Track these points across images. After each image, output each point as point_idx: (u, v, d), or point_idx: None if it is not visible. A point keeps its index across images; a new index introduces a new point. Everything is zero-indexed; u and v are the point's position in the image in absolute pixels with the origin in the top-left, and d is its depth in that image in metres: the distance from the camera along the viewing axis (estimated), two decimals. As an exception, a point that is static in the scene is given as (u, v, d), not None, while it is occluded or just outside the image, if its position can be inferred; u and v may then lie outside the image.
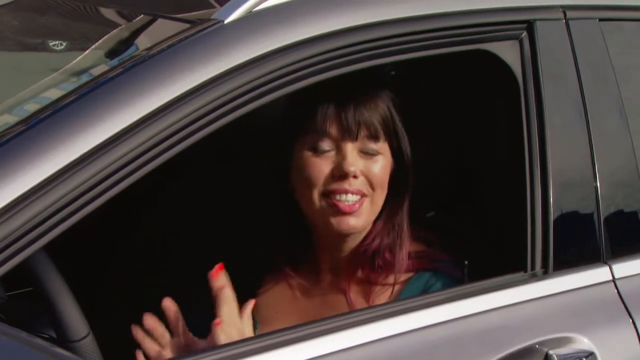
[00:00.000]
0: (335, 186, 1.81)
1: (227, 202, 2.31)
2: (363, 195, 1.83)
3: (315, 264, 1.94)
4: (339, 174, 1.81)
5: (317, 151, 1.83)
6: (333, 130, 1.82)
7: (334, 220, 1.83)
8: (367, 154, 1.83)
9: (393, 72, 1.96)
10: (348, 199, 1.81)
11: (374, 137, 1.83)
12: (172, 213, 2.47)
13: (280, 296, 1.95)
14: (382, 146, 1.85)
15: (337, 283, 1.92)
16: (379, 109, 1.84)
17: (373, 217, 1.87)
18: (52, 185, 1.41)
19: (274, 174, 1.92)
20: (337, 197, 1.81)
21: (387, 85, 1.89)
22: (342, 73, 1.67)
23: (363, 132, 1.82)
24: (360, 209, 1.83)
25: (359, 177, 1.82)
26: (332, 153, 1.82)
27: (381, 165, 1.85)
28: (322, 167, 1.82)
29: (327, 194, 1.82)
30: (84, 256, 2.31)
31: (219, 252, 1.76)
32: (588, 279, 1.87)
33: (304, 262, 1.95)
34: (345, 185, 1.81)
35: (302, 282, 1.94)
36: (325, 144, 1.82)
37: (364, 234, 1.89)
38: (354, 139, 1.82)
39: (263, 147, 1.98)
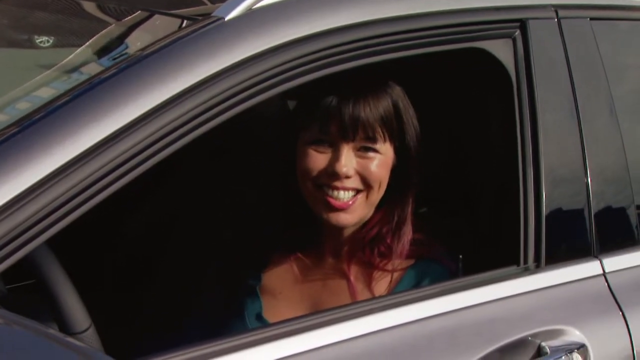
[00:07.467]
0: (328, 181, 1.83)
1: (232, 189, 2.32)
2: (357, 192, 1.84)
3: (319, 248, 1.96)
4: (332, 172, 1.82)
5: (314, 145, 1.84)
6: (331, 128, 1.82)
7: (326, 215, 1.85)
8: (364, 152, 1.84)
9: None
10: (340, 196, 1.83)
11: (372, 139, 1.83)
12: (174, 203, 2.47)
13: (284, 278, 1.97)
14: (382, 146, 1.85)
15: (339, 267, 1.94)
16: (381, 107, 1.83)
17: (368, 211, 1.89)
18: (56, 180, 1.42)
19: (280, 163, 1.95)
20: (330, 192, 1.83)
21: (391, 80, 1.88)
22: (339, 70, 1.68)
23: (360, 134, 1.82)
24: (354, 205, 1.84)
25: (353, 176, 1.83)
26: (330, 149, 1.84)
27: (378, 163, 1.85)
28: (318, 161, 1.83)
29: (320, 187, 1.83)
30: (83, 250, 2.31)
31: (223, 236, 1.76)
32: (579, 273, 1.90)
33: (308, 245, 1.97)
34: (337, 183, 1.82)
35: (306, 265, 1.96)
36: (323, 140, 1.84)
37: (363, 223, 1.91)
38: (351, 140, 1.83)
39: (269, 137, 2.00)
